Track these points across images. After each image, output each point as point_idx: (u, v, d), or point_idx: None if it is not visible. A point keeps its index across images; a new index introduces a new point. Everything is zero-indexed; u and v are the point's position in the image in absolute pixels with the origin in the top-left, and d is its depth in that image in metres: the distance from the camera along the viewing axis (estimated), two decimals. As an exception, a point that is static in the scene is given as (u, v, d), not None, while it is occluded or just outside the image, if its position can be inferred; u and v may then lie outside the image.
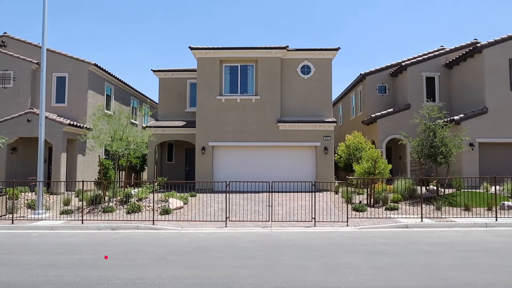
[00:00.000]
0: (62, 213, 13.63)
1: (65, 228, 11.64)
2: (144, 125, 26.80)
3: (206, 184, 18.31)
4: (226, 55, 20.17)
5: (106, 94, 23.40)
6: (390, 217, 12.96)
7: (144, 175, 24.53)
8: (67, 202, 15.06)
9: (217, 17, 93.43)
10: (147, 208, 14.06)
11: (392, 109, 23.65)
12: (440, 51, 24.29)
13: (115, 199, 14.99)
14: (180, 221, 12.40)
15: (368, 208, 14.55)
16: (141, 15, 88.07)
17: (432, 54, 24.14)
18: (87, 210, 13.86)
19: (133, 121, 26.53)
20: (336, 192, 18.12)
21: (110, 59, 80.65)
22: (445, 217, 12.77)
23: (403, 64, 24.01)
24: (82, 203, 12.47)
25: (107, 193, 15.38)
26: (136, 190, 16.29)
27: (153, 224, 11.89)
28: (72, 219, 12.68)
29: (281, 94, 20.19)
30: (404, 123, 22.60)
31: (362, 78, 26.48)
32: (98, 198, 14.52)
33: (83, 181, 12.80)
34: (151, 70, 23.56)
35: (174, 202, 14.60)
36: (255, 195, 15.69)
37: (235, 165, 19.99)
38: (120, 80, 24.74)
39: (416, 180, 16.77)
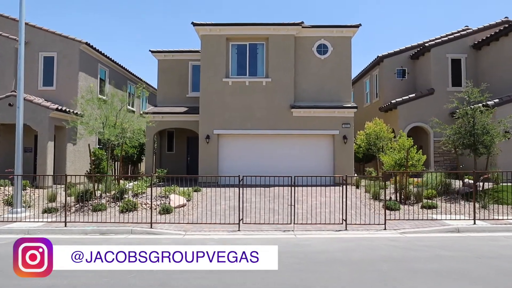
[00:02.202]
0: (44, 211, 11.60)
1: (44, 232, 9.55)
2: (142, 111, 24.62)
3: (211, 177, 16.25)
4: (233, 32, 17.92)
5: (100, 78, 21.21)
6: (433, 219, 10.90)
7: (142, 167, 22.46)
8: (52, 198, 13.03)
9: None
10: (144, 206, 12.01)
11: (414, 94, 21.53)
12: (467, 31, 22.07)
13: (107, 194, 12.95)
14: (183, 223, 10.32)
15: (401, 206, 12.53)
16: None
17: (458, 34, 21.91)
18: (74, 209, 11.82)
19: (130, 107, 24.38)
20: (357, 187, 16.05)
21: (104, 42, 78.00)
22: (500, 219, 10.72)
23: (426, 45, 21.80)
24: (66, 201, 10.37)
25: (99, 187, 13.34)
26: (131, 183, 14.26)
27: (151, 227, 9.84)
28: (54, 220, 10.61)
29: (295, 77, 18.00)
30: (428, 109, 20.63)
31: (379, 61, 24.26)
32: (87, 194, 12.47)
33: (66, 175, 10.71)
34: (150, 51, 21.28)
35: (176, 198, 12.56)
36: (268, 190, 13.62)
37: (243, 155, 17.90)
38: (115, 62, 22.51)
39: (444, 172, 14.87)
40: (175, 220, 10.76)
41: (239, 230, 9.72)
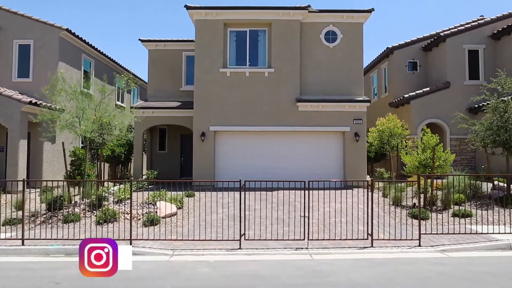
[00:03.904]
0: (5, 223, 9.62)
1: (-4, 252, 7.62)
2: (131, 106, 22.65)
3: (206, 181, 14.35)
4: (232, 17, 15.99)
5: (84, 70, 19.21)
6: (476, 232, 9.01)
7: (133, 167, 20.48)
8: (19, 206, 11.04)
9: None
10: (126, 215, 10.06)
11: (428, 88, 19.73)
12: (485, 20, 20.28)
13: (84, 201, 11.00)
14: (171, 240, 8.35)
15: (429, 214, 10.68)
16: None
17: (476, 23, 20.09)
18: (42, 219, 9.86)
19: (119, 103, 22.44)
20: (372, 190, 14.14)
21: (99, 40, 75.73)
22: (554, 231, 8.89)
23: (441, 34, 19.96)
24: (23, 213, 8.36)
25: (79, 192, 11.41)
26: (114, 188, 12.33)
27: (131, 244, 7.90)
28: (11, 236, 8.59)
29: (301, 67, 16.10)
30: (443, 104, 18.93)
31: (388, 53, 22.42)
32: (59, 201, 10.50)
33: (24, 180, 8.69)
34: (139, 40, 19.31)
35: (164, 206, 10.62)
36: (270, 194, 11.72)
37: (242, 154, 16.01)
38: (102, 53, 20.49)
39: (472, 175, 13.13)
40: (162, 234, 8.80)
41: (240, 248, 7.81)
